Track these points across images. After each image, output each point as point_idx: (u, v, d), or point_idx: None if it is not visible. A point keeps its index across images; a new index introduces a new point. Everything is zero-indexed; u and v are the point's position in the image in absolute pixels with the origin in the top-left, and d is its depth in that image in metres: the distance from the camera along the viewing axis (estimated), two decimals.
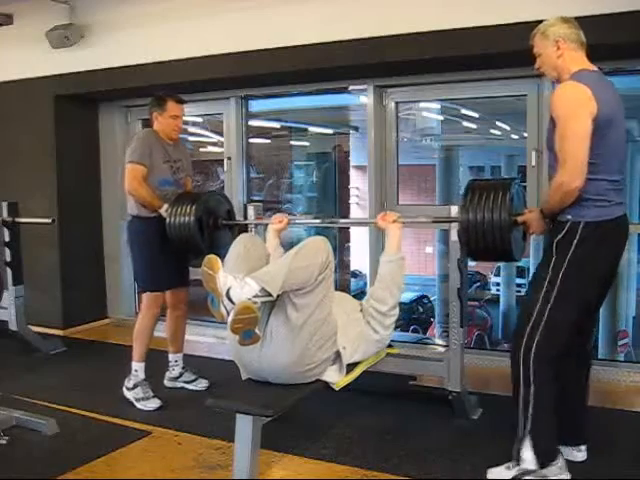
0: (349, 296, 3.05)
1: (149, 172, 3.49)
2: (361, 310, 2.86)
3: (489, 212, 2.75)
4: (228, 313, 2.29)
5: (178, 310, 3.76)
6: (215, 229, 3.58)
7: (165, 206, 3.48)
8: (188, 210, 3.42)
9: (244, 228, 3.67)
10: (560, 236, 2.43)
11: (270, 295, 2.35)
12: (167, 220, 3.45)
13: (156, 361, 3.73)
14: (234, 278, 2.33)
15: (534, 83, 3.91)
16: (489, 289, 15.16)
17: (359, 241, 8.66)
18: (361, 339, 2.75)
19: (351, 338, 2.69)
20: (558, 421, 2.52)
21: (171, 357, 3.80)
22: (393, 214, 3.03)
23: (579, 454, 2.67)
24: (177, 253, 3.58)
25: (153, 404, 3.46)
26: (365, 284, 11.53)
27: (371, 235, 4.55)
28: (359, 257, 8.90)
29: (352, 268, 10.97)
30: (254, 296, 2.31)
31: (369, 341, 2.78)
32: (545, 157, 3.90)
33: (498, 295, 14.22)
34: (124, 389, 3.54)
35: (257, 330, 2.33)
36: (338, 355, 2.63)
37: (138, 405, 3.46)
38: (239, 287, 2.31)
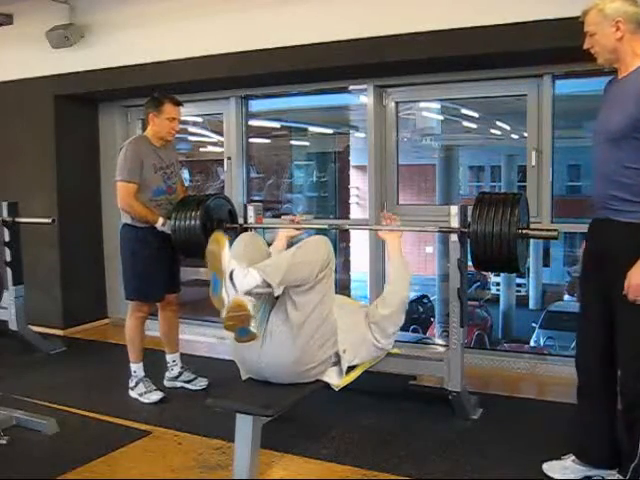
0: (349, 298, 3.05)
1: (142, 185, 3.49)
2: (365, 314, 2.86)
3: (498, 225, 2.82)
4: (229, 296, 2.28)
5: (167, 311, 3.77)
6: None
7: (160, 220, 3.50)
8: (193, 214, 3.49)
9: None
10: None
11: (270, 287, 2.35)
12: (172, 224, 3.51)
13: (155, 362, 3.75)
14: (238, 263, 2.33)
15: (534, 83, 3.91)
16: (489, 289, 15.19)
17: (359, 241, 8.67)
18: (362, 344, 2.75)
19: (352, 341, 2.69)
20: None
21: (168, 357, 3.81)
22: (393, 218, 3.09)
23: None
24: (183, 254, 3.63)
25: (156, 396, 3.54)
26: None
27: (371, 236, 4.55)
28: (359, 257, 8.90)
29: (353, 270, 10.93)
30: (256, 286, 2.30)
31: (370, 347, 2.79)
32: (545, 158, 3.93)
33: (498, 295, 14.25)
34: (129, 390, 3.62)
35: (253, 328, 2.31)
36: (338, 357, 2.63)
37: (142, 399, 3.53)
38: (242, 274, 2.30)
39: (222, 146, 5.20)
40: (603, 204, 2.32)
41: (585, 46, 2.31)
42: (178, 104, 3.57)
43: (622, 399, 2.36)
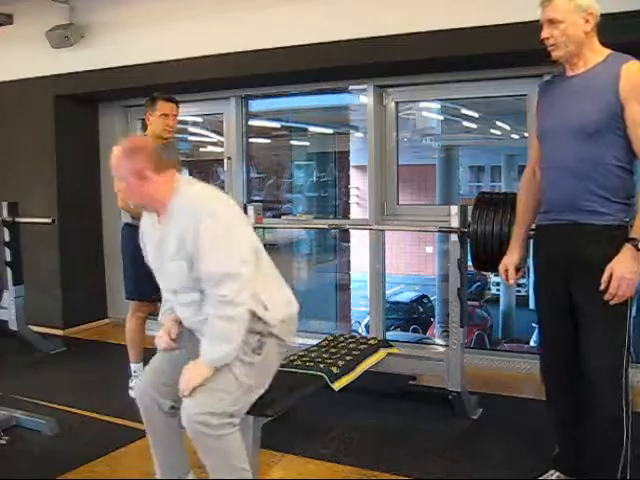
0: None
1: None
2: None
3: (498, 225, 2.84)
4: None
5: None
6: None
7: None
8: None
9: None
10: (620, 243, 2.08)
11: None
12: None
13: None
14: None
15: (534, 83, 3.88)
16: (489, 289, 15.17)
17: (359, 241, 8.67)
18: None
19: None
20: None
21: None
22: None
23: None
24: None
25: None
26: None
27: (371, 236, 4.55)
28: (359, 257, 8.92)
29: (353, 270, 10.89)
30: None
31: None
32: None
33: (498, 295, 14.24)
34: (129, 390, 3.60)
35: None
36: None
37: None
38: None
39: (222, 146, 5.21)
40: (573, 205, 2.16)
41: (543, 35, 2.16)
42: (171, 100, 3.57)
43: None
